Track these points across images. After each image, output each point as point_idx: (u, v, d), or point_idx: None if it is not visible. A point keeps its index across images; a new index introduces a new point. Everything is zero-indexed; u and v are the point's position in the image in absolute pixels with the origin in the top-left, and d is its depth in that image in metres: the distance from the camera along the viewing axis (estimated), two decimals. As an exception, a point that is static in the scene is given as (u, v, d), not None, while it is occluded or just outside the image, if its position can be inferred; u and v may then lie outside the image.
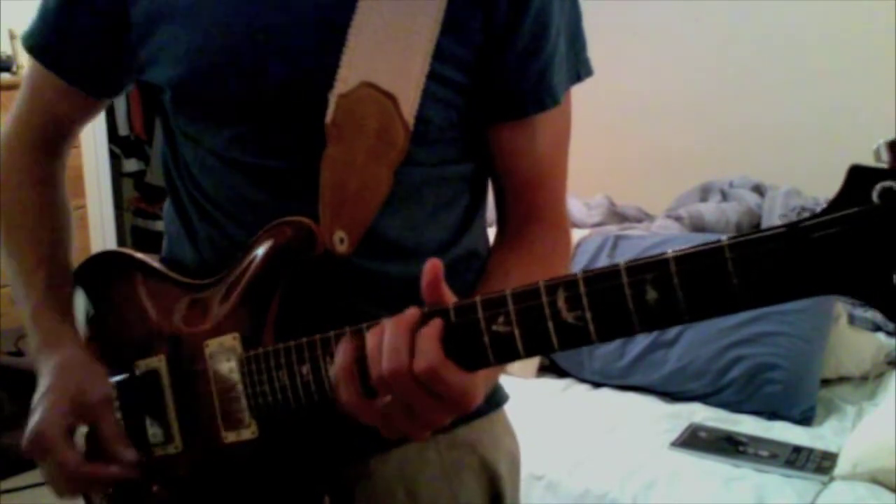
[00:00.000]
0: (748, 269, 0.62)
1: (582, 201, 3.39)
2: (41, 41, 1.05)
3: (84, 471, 0.92)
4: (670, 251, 0.64)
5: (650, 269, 0.65)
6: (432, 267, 0.75)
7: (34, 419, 0.93)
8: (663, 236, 2.96)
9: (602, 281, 0.67)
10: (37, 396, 0.95)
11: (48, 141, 1.10)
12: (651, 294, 0.65)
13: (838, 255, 0.59)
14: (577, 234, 3.03)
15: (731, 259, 0.62)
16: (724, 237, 0.63)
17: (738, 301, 0.63)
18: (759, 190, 3.18)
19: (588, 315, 0.68)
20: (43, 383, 0.96)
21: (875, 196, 0.58)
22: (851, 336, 2.66)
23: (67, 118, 1.10)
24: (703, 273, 0.63)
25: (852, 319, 2.72)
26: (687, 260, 0.64)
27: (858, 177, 0.59)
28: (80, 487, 0.97)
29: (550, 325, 0.69)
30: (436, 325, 0.73)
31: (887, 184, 0.58)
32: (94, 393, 0.95)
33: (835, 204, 0.60)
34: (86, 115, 1.12)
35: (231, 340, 0.90)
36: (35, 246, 1.06)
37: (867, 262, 0.59)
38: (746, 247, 0.62)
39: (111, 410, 0.95)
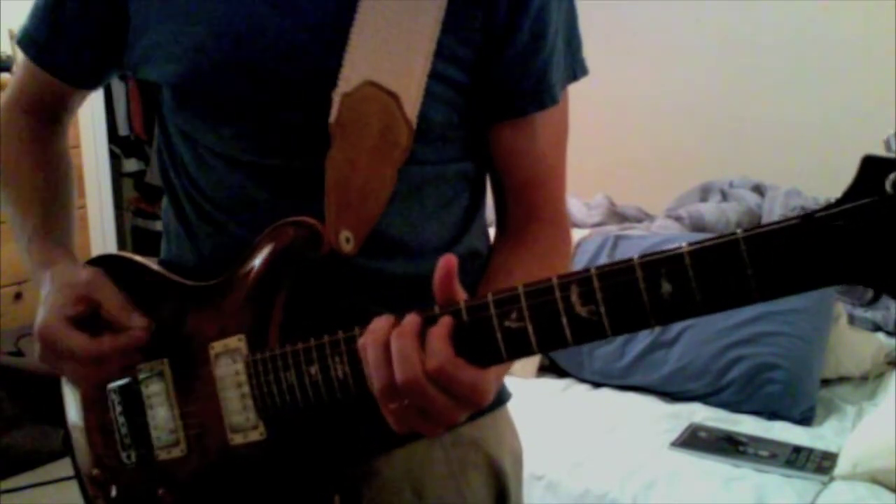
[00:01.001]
0: (763, 261, 0.62)
1: (582, 201, 3.39)
2: (30, 37, 1.07)
3: (96, 347, 0.92)
4: (685, 244, 0.65)
5: (665, 263, 0.65)
6: (446, 262, 0.75)
7: (37, 321, 0.94)
8: (663, 236, 2.96)
9: (616, 276, 0.67)
10: (39, 308, 0.96)
11: (46, 109, 1.12)
12: (666, 287, 0.65)
13: (852, 246, 0.60)
14: (577, 234, 3.03)
15: (746, 251, 0.62)
16: (739, 231, 0.63)
17: (753, 292, 0.63)
18: (759, 190, 3.19)
19: (602, 309, 0.68)
20: (42, 293, 0.97)
21: (888, 186, 0.58)
22: (851, 336, 2.66)
23: (59, 100, 1.12)
24: (719, 265, 0.64)
25: (852, 319, 2.72)
26: (702, 253, 0.64)
27: (871, 167, 0.59)
28: (99, 370, 0.95)
29: (564, 319, 0.69)
30: (445, 323, 0.73)
31: None
32: (85, 274, 0.97)
33: (848, 194, 0.60)
34: (75, 101, 1.14)
35: (236, 342, 0.90)
36: (32, 187, 1.08)
37: (881, 252, 0.59)
38: (761, 238, 0.62)
39: (107, 285, 0.96)
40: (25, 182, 1.09)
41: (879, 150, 0.60)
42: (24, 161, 1.10)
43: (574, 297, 0.69)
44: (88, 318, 0.94)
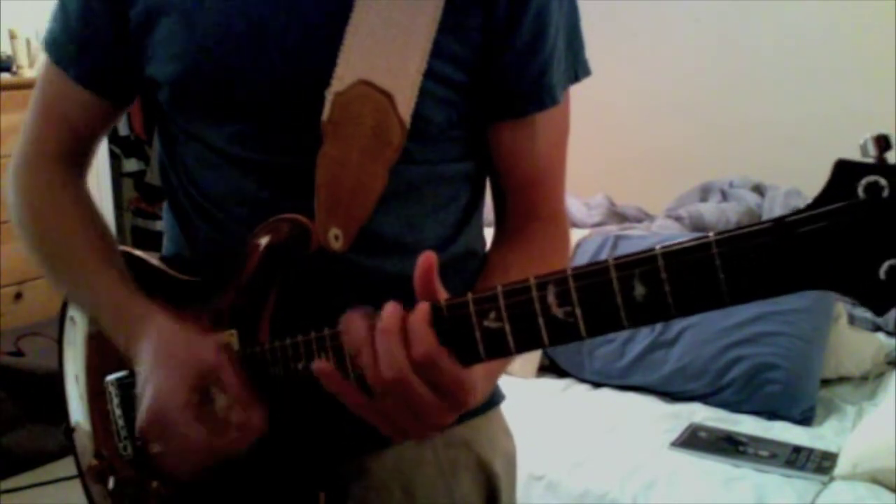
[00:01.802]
0: (735, 264, 0.62)
1: (582, 201, 3.39)
2: (68, 52, 1.02)
3: (214, 444, 0.84)
4: (658, 246, 0.65)
5: (638, 264, 0.65)
6: (426, 259, 0.75)
7: (148, 397, 0.86)
8: (663, 236, 2.96)
9: (591, 277, 0.67)
10: (141, 379, 0.88)
11: (69, 155, 1.06)
12: (639, 289, 0.65)
13: (824, 250, 0.60)
14: (577, 234, 3.03)
15: (717, 254, 0.62)
16: (711, 234, 0.63)
17: (725, 296, 0.63)
18: (759, 190, 3.19)
19: (577, 311, 0.68)
20: (146, 362, 0.88)
21: (860, 191, 0.58)
22: (851, 336, 2.66)
23: (87, 129, 1.07)
24: (691, 268, 0.63)
25: (852, 319, 2.72)
26: (674, 255, 0.64)
27: (844, 171, 0.59)
28: (205, 464, 0.87)
29: (540, 320, 0.69)
30: (422, 309, 0.73)
31: (872, 178, 0.58)
32: (209, 352, 0.86)
33: (821, 199, 0.60)
34: (105, 125, 1.09)
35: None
36: (91, 246, 1.02)
37: (853, 257, 0.59)
38: (733, 242, 0.62)
39: (233, 367, 0.85)
40: (80, 237, 1.02)
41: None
42: (71, 214, 1.04)
43: (551, 298, 0.69)
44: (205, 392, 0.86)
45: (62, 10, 1.02)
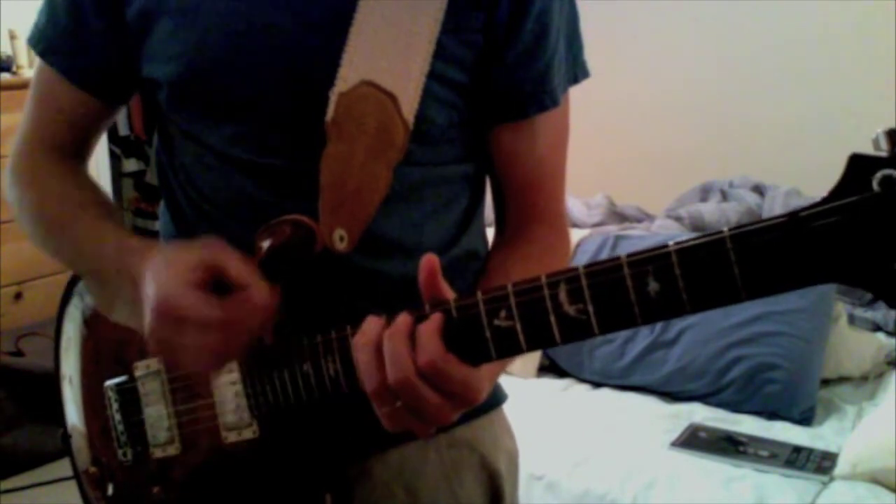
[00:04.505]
0: (749, 259, 0.62)
1: (582, 201, 3.39)
2: (54, 46, 1.02)
3: (225, 309, 0.81)
4: (672, 243, 0.64)
5: (652, 261, 0.65)
6: (428, 262, 0.75)
7: (150, 291, 0.82)
8: (663, 236, 2.96)
9: (603, 274, 0.67)
10: (145, 283, 0.84)
11: (67, 145, 1.06)
12: (653, 286, 0.65)
13: (839, 244, 0.60)
14: (577, 234, 3.03)
15: (732, 249, 0.62)
16: (725, 229, 0.63)
17: (740, 291, 0.63)
18: (759, 190, 3.19)
19: (590, 308, 0.68)
20: (149, 267, 0.85)
21: (875, 184, 0.58)
22: (851, 336, 2.66)
23: (83, 124, 1.06)
24: (705, 264, 0.64)
25: (852, 319, 2.72)
26: (688, 251, 0.64)
27: (858, 165, 0.59)
28: (227, 337, 0.82)
29: (552, 318, 0.69)
30: (435, 319, 0.73)
31: (887, 172, 0.58)
32: (209, 246, 0.84)
33: (835, 192, 0.60)
34: (101, 121, 1.08)
35: None
36: (93, 210, 1.01)
37: (868, 250, 0.59)
38: (748, 237, 0.62)
39: (229, 248, 0.84)
40: (79, 206, 1.01)
41: (879, 151, 0.60)
42: (71, 189, 1.03)
43: (562, 296, 0.69)
44: (211, 285, 0.82)
45: (50, 5, 1.02)
